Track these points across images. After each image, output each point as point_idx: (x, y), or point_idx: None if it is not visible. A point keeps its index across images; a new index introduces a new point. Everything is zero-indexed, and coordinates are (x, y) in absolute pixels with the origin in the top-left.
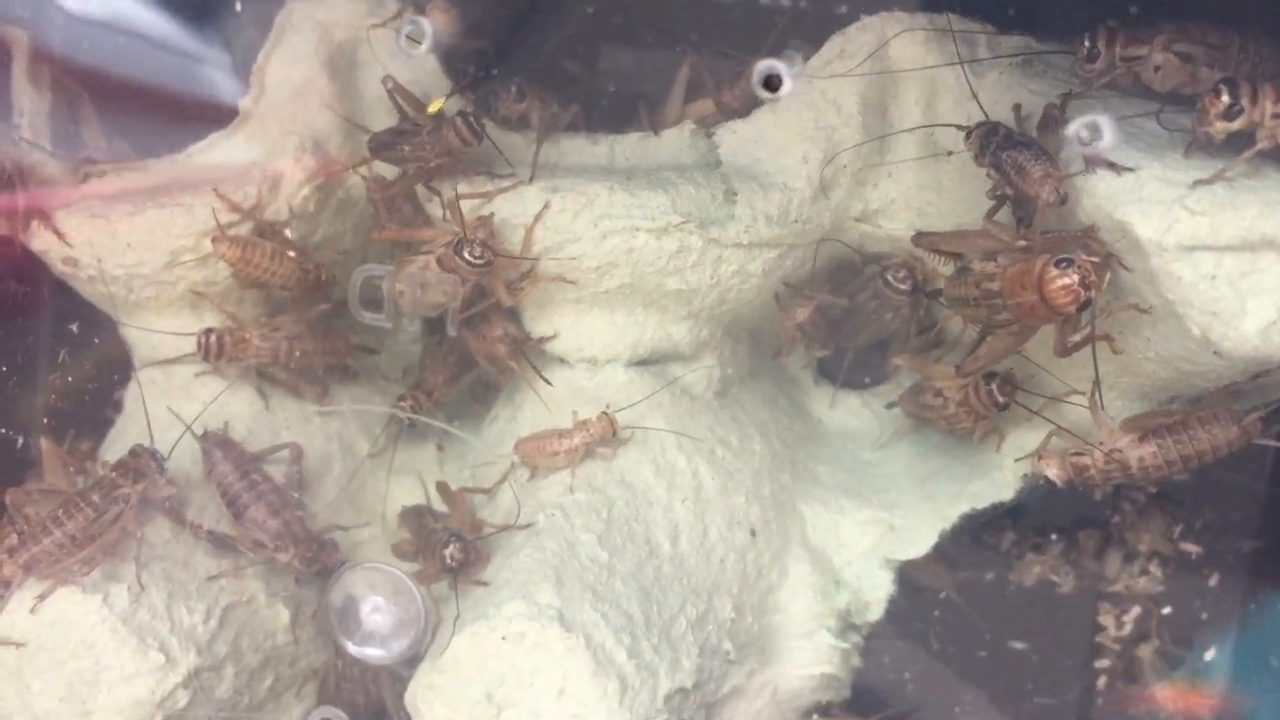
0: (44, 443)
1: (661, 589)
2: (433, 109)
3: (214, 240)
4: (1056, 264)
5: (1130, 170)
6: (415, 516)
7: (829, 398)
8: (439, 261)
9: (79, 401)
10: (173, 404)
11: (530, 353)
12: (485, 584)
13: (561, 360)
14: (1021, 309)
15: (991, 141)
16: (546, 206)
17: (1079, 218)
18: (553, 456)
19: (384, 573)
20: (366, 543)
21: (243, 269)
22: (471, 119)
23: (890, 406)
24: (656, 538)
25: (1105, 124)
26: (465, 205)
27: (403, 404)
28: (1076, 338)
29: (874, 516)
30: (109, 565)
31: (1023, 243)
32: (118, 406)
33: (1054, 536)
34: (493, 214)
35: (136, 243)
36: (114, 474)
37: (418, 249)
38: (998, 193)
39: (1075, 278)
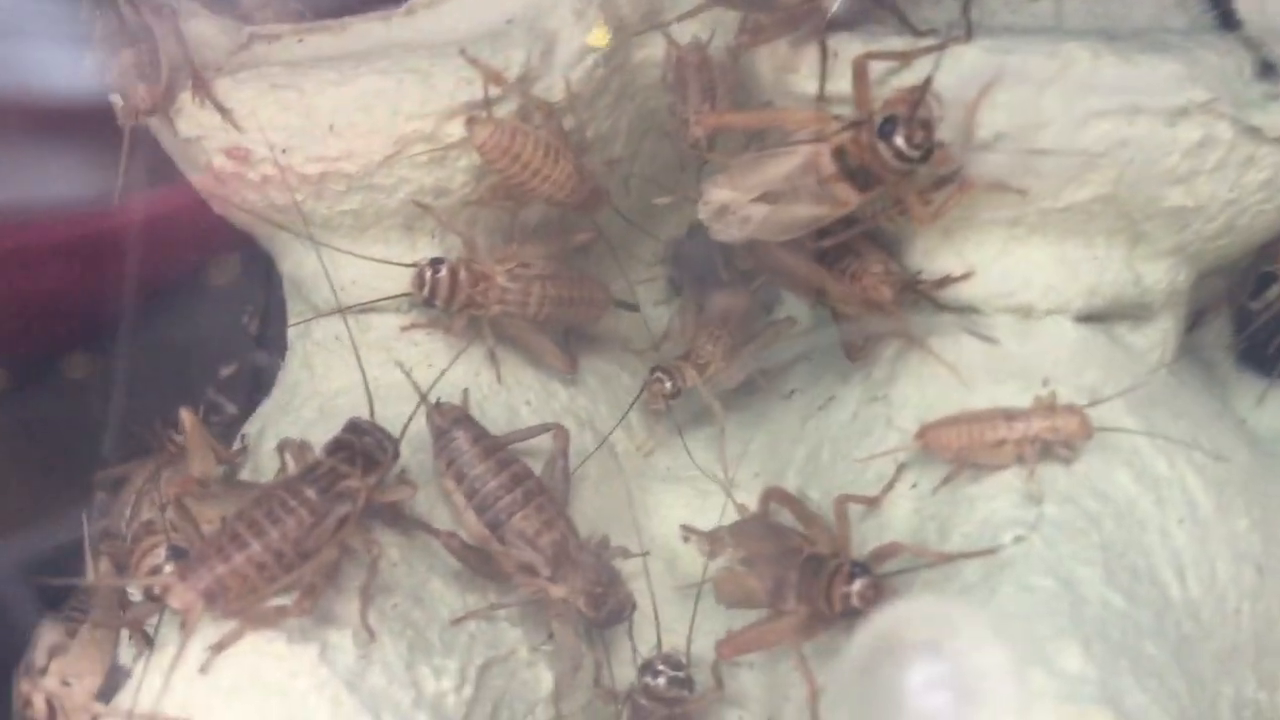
0: (185, 414)
1: (1190, 654)
2: None
3: (470, 122)
4: None
5: None
6: (764, 535)
7: (1258, 392)
8: (841, 153)
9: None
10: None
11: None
12: None
13: (973, 310)
14: None
15: None
16: (998, 75)
17: None
18: (996, 449)
19: (940, 616)
20: (636, 578)
21: (507, 167)
22: None
23: None
24: (1163, 576)
25: None
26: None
27: (659, 379)
28: None
29: None
30: (323, 601)
31: None
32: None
33: None
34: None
35: (343, 125)
36: (333, 461)
37: (762, 142)
38: None
39: None
